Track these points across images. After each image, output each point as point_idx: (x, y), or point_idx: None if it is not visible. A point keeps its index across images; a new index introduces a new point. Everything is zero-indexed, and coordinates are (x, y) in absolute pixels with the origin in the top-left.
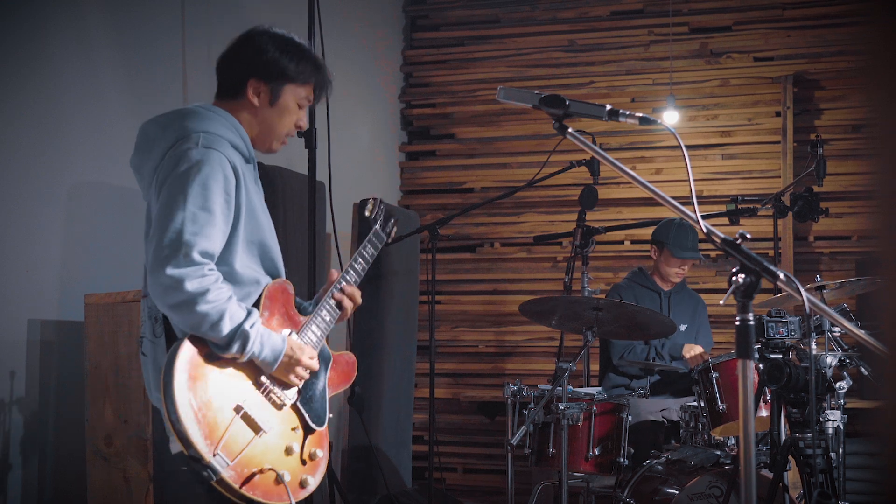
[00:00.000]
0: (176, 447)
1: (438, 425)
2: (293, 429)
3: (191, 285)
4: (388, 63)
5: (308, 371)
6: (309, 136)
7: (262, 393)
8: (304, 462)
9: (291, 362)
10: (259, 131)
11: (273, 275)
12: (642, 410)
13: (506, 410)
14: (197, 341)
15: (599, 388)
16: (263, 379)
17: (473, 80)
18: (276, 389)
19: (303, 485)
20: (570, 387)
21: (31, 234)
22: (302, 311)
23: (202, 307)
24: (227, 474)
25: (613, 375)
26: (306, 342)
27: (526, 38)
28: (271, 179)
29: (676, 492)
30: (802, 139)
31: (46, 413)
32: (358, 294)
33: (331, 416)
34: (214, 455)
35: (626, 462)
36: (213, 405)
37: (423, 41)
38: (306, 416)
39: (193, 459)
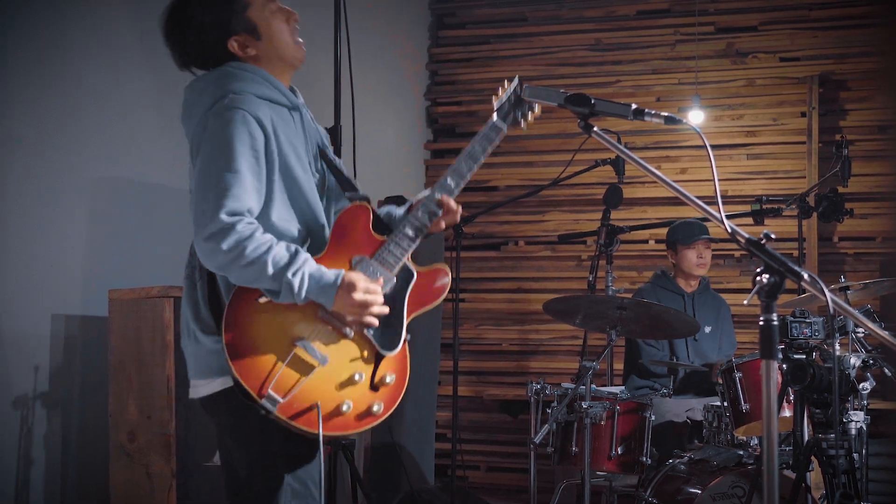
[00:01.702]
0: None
1: (461, 423)
2: (359, 357)
3: (226, 244)
4: (414, 61)
5: (364, 307)
6: (334, 134)
7: (321, 326)
8: (374, 388)
9: (347, 297)
10: (277, 62)
11: (314, 228)
12: (666, 411)
13: (529, 409)
14: (248, 288)
15: (622, 388)
16: (321, 313)
17: (499, 78)
18: (339, 319)
19: (368, 413)
20: (593, 385)
21: (55, 230)
22: (387, 229)
23: (241, 262)
24: (278, 412)
25: (637, 378)
26: (376, 270)
27: (552, 36)
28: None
29: (699, 491)
30: (828, 140)
31: (70, 408)
32: (455, 205)
33: (407, 336)
34: (264, 396)
35: (649, 461)
36: (264, 346)
37: (449, 39)
38: (374, 342)
39: (247, 397)
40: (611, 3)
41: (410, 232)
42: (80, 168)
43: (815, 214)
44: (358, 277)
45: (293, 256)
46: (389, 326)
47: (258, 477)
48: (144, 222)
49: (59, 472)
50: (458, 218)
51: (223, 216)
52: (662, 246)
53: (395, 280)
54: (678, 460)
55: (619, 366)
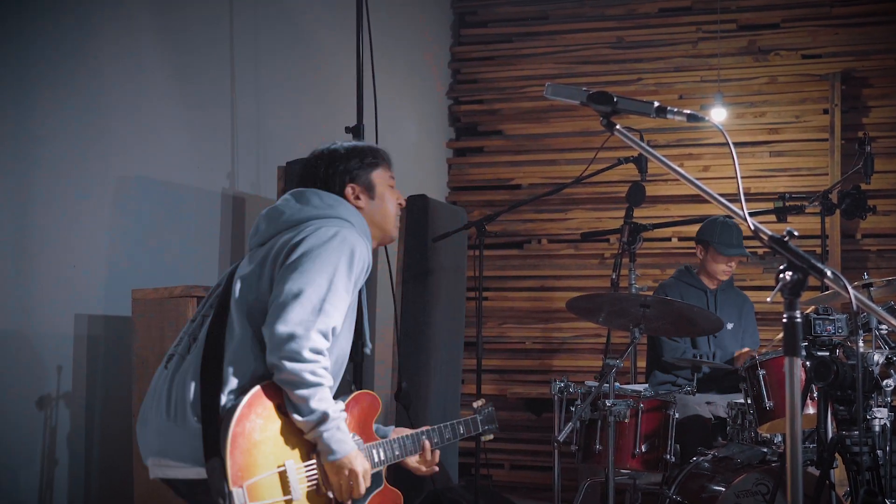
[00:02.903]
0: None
1: None
2: None
3: (308, 353)
4: (436, 59)
5: (350, 490)
6: (357, 133)
7: (311, 467)
8: None
9: (345, 470)
10: (376, 228)
11: (335, 376)
12: (689, 408)
13: (552, 407)
14: (273, 390)
15: (646, 385)
16: (314, 460)
17: (521, 76)
18: (323, 474)
19: None
20: (616, 383)
21: (78, 230)
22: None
23: (308, 371)
24: None
25: (660, 373)
26: (366, 459)
27: (574, 34)
28: None
29: (723, 489)
30: (850, 137)
31: (93, 408)
32: (434, 458)
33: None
34: (239, 487)
35: (673, 459)
36: (262, 448)
37: (471, 37)
38: None
39: (223, 477)
40: (633, 0)
41: (397, 449)
42: (104, 168)
43: (837, 211)
44: (367, 467)
45: (337, 405)
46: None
47: None
48: (168, 222)
49: (83, 473)
50: (433, 471)
51: (327, 328)
52: (685, 244)
53: (368, 484)
54: (702, 458)
55: (642, 364)
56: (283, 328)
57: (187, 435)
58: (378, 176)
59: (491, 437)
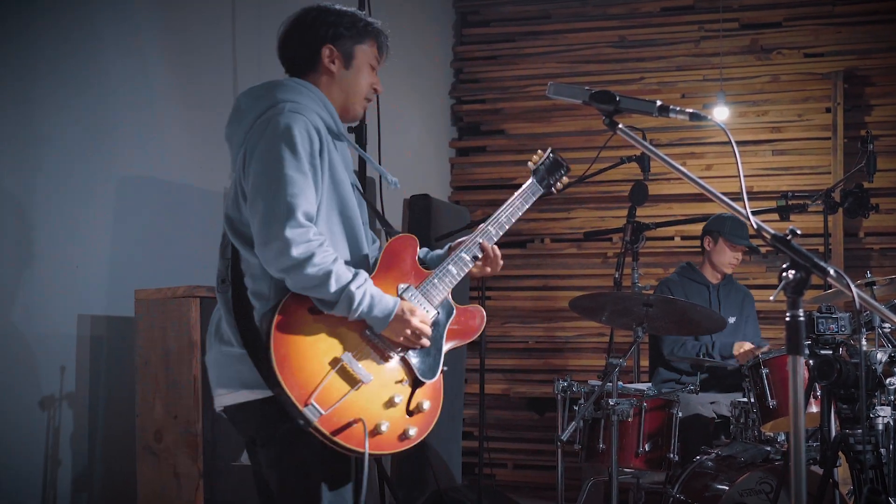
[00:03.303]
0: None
1: (488, 421)
2: (399, 381)
3: (296, 251)
4: (439, 59)
5: (418, 335)
6: (360, 133)
7: (367, 345)
8: (410, 413)
9: (402, 325)
10: (343, 97)
11: (355, 249)
12: (692, 406)
13: (556, 406)
14: (299, 298)
15: (649, 384)
16: (368, 333)
17: (523, 75)
18: (383, 343)
19: (404, 436)
20: (620, 383)
21: (81, 230)
22: (429, 264)
23: (309, 270)
24: (319, 424)
25: (664, 370)
26: (420, 301)
27: (576, 34)
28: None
29: (727, 488)
30: (853, 135)
31: (96, 408)
32: (495, 251)
33: (445, 368)
34: (307, 405)
35: (677, 458)
36: (311, 356)
37: (473, 37)
38: (415, 368)
39: (289, 405)
40: (635, 0)
41: (454, 270)
42: (107, 168)
43: (840, 210)
44: (413, 307)
45: (356, 274)
46: (429, 356)
47: (291, 492)
48: (170, 222)
49: (87, 473)
50: (499, 268)
51: (301, 217)
52: (688, 242)
53: (436, 312)
54: (705, 457)
55: (645, 363)
56: (264, 249)
57: (233, 360)
58: (362, 50)
59: (566, 180)
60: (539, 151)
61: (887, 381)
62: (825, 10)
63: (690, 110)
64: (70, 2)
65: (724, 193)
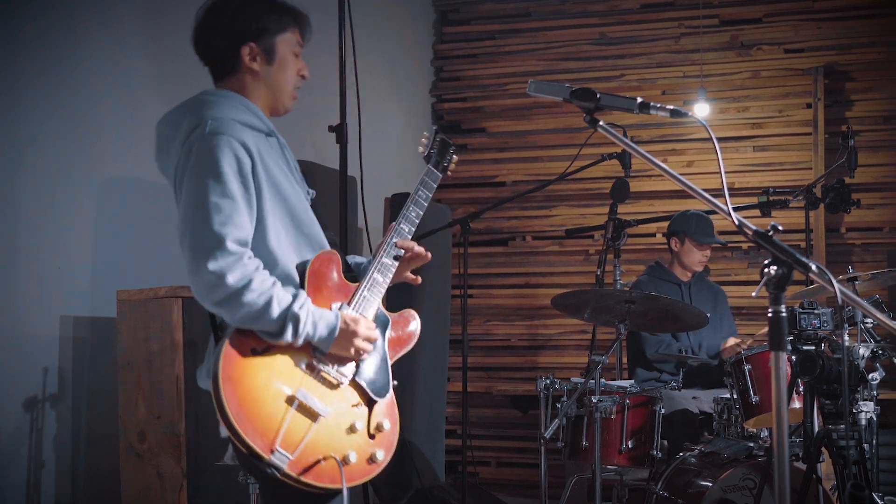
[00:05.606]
0: (224, 431)
1: (471, 419)
2: (355, 405)
3: (232, 278)
4: (419, 57)
5: (369, 342)
6: (340, 131)
7: (315, 376)
8: (371, 436)
9: (348, 335)
10: (269, 95)
11: (312, 246)
12: (675, 402)
13: (538, 404)
14: (240, 338)
15: (632, 381)
16: (315, 362)
17: (504, 73)
18: (331, 369)
19: (372, 460)
20: (602, 380)
21: (63, 231)
22: (355, 277)
23: (247, 297)
24: (288, 468)
25: (642, 370)
26: (360, 311)
27: (556, 31)
28: (302, 175)
29: (710, 484)
30: (833, 131)
31: (79, 409)
32: (416, 247)
33: (395, 383)
34: (273, 452)
35: (660, 455)
36: (265, 401)
37: (453, 35)
38: (367, 388)
39: (255, 457)
40: None
41: (380, 278)
42: (88, 169)
43: (822, 205)
44: (356, 316)
45: (295, 295)
46: (378, 373)
47: None
48: (152, 223)
49: (70, 474)
50: (429, 257)
51: (230, 245)
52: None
53: (373, 325)
54: (689, 453)
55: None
56: (196, 282)
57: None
58: (284, 41)
59: (453, 158)
60: (425, 134)
61: (870, 376)
62: (805, 5)
63: (671, 107)
64: (54, 6)
65: (706, 190)
